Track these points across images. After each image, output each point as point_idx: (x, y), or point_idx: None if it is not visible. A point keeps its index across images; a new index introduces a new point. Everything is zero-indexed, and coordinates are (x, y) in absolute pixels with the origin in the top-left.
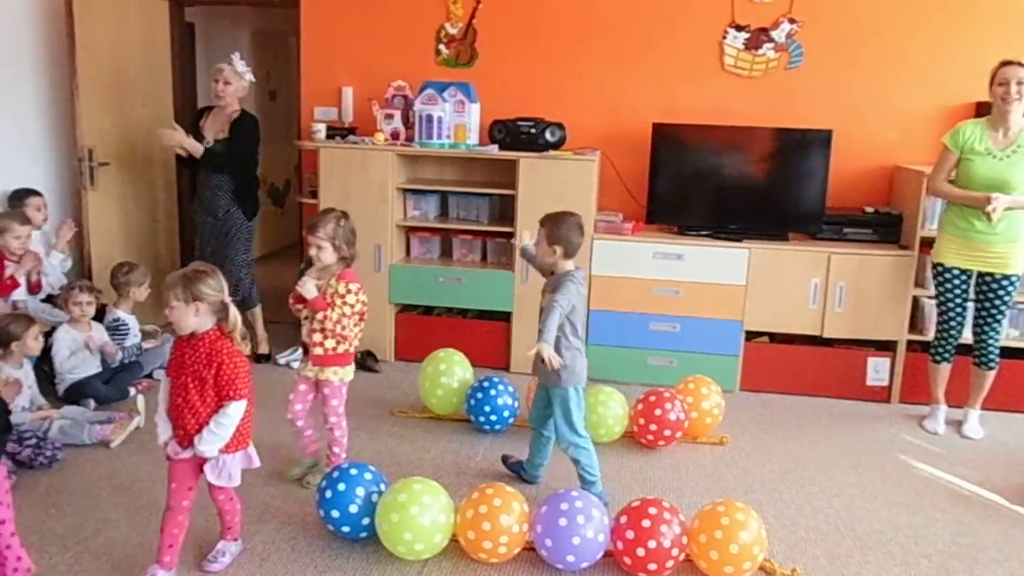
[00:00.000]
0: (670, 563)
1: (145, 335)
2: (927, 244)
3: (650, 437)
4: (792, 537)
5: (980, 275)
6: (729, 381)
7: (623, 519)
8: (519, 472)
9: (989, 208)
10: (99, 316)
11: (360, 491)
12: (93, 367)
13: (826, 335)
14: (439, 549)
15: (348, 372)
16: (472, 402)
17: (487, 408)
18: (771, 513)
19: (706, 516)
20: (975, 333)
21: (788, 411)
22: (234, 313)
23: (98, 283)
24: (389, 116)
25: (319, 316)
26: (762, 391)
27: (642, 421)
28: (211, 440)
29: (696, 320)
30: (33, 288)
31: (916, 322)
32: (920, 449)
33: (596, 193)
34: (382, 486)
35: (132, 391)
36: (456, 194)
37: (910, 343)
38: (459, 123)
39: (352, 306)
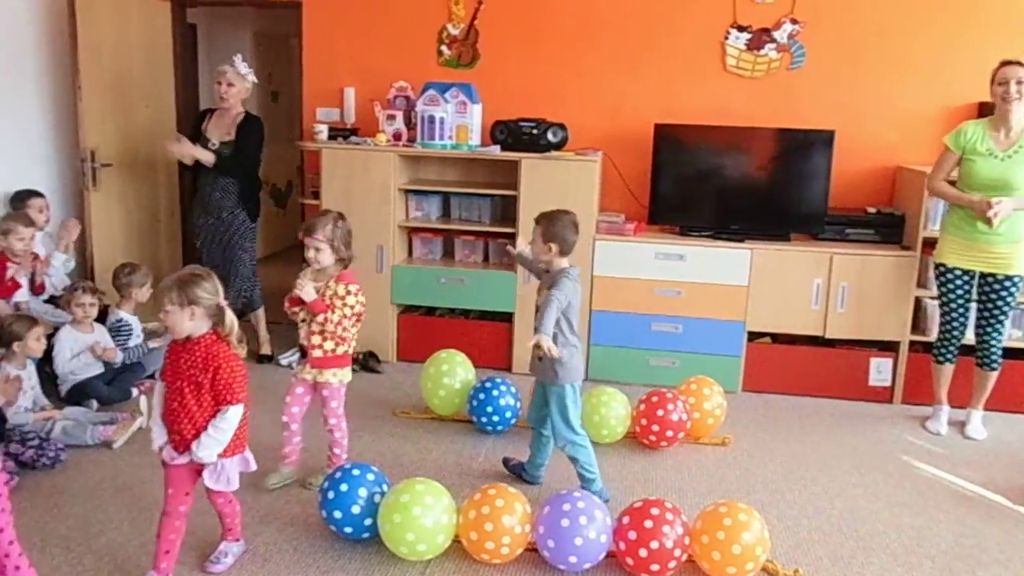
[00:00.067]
0: (672, 564)
1: (150, 334)
2: (929, 244)
3: (652, 438)
4: (795, 538)
5: (983, 276)
6: (731, 382)
7: (625, 520)
8: (520, 474)
9: (991, 213)
10: (101, 317)
11: (362, 492)
12: (95, 368)
13: (828, 336)
14: (441, 550)
15: (347, 373)
16: (474, 403)
17: (489, 409)
18: (773, 514)
19: (708, 517)
20: (978, 334)
21: (790, 412)
22: (230, 316)
23: (100, 284)
24: (391, 117)
25: (319, 318)
26: (764, 392)
27: (644, 422)
28: (210, 445)
29: (698, 321)
30: (37, 289)
31: (919, 323)
32: (923, 450)
33: (598, 194)
34: (384, 487)
35: (135, 392)
36: (458, 195)
37: (912, 344)
38: (461, 124)
39: (352, 307)
